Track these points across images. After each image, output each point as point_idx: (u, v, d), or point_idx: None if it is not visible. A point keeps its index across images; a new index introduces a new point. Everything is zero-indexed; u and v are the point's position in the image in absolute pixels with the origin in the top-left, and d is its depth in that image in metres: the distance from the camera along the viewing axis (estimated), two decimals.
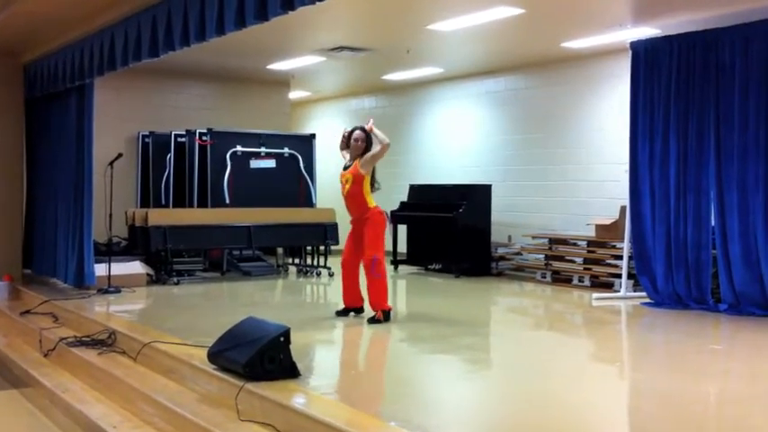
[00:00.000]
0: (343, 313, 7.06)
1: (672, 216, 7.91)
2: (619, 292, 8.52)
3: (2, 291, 9.19)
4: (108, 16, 7.33)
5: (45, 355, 6.67)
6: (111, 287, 8.52)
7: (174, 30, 6.33)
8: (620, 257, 8.58)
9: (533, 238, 10.20)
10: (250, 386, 4.54)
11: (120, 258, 9.23)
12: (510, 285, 9.78)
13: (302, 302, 8.80)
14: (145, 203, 11.21)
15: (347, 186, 6.83)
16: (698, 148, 7.73)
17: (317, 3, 4.97)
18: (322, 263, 10.41)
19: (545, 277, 9.84)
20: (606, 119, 9.85)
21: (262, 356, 4.65)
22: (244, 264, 10.44)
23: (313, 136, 11.41)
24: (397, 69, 11.49)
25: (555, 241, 9.79)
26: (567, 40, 9.21)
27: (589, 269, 9.26)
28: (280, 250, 11.07)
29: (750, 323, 6.98)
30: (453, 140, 12.20)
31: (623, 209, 8.69)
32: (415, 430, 3.77)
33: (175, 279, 9.34)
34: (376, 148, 6.82)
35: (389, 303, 6.90)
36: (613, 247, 8.94)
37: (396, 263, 10.99)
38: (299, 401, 4.34)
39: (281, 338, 4.73)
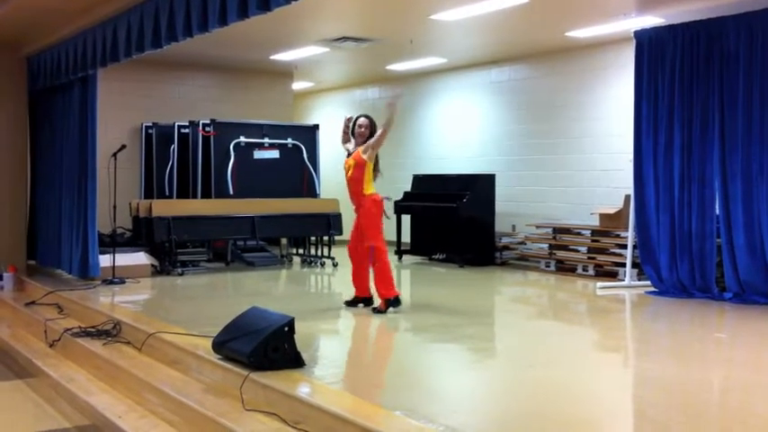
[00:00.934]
0: (351, 303, 7.06)
1: (676, 205, 7.90)
2: (623, 281, 8.52)
3: (7, 282, 9.22)
4: (111, 7, 7.33)
5: (50, 346, 6.69)
6: (115, 278, 8.54)
7: (176, 20, 6.33)
8: (625, 246, 8.58)
9: (537, 227, 10.19)
10: (255, 376, 4.55)
11: (125, 249, 9.26)
12: (514, 275, 9.78)
13: (306, 293, 8.81)
14: (149, 194, 11.23)
15: (350, 172, 6.83)
16: (702, 138, 7.71)
17: None
18: (326, 253, 10.43)
19: (549, 267, 9.84)
20: (610, 108, 9.83)
21: (266, 346, 4.66)
22: (248, 254, 10.46)
23: (316, 126, 11.41)
24: (400, 60, 11.46)
25: (559, 231, 9.78)
26: (571, 30, 9.18)
27: (593, 258, 9.26)
28: (284, 241, 11.08)
29: (754, 312, 6.97)
30: (457, 130, 12.18)
31: (627, 198, 8.68)
32: (420, 419, 3.78)
33: (180, 270, 9.35)
34: (376, 134, 6.83)
35: (397, 290, 6.89)
36: (617, 236, 8.94)
37: (399, 253, 10.99)
38: (303, 391, 4.35)
39: (286, 328, 4.74)
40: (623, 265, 8.60)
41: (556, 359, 5.30)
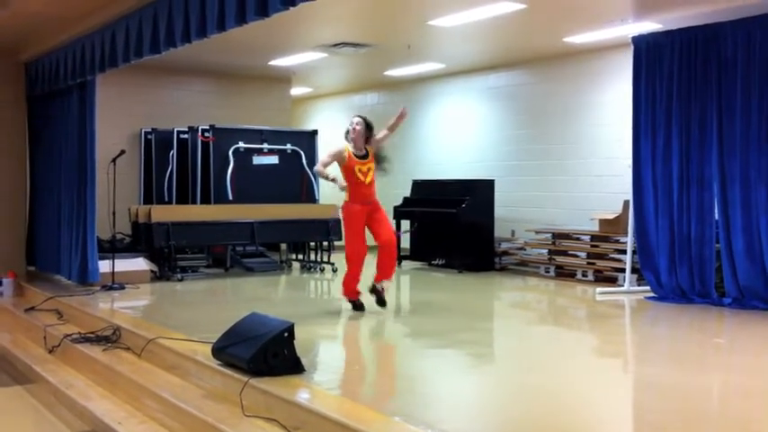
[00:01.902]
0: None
1: (675, 210, 7.91)
2: (622, 286, 8.52)
3: (6, 288, 9.21)
4: (109, 13, 7.33)
5: (50, 352, 6.69)
6: (114, 284, 8.53)
7: (175, 26, 6.33)
8: (624, 252, 8.59)
9: (536, 232, 10.20)
10: (254, 382, 4.55)
11: (124, 255, 9.24)
12: (513, 280, 9.78)
13: (306, 298, 8.81)
14: (148, 200, 11.23)
15: (370, 174, 6.96)
16: (700, 143, 7.72)
17: None
18: (325, 259, 10.42)
19: (548, 272, 9.84)
20: (608, 114, 9.84)
21: (266, 352, 4.66)
22: (247, 260, 10.45)
23: (315, 132, 11.42)
24: (398, 65, 11.48)
25: (558, 236, 9.79)
26: (568, 36, 9.20)
27: (592, 264, 9.26)
28: (283, 246, 11.07)
29: (754, 317, 6.98)
30: (456, 136, 12.19)
31: (626, 203, 8.69)
32: (419, 425, 3.78)
33: (179, 275, 9.36)
34: (381, 132, 7.10)
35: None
36: (617, 241, 8.94)
37: (399, 258, 10.98)
38: (303, 397, 4.35)
39: (285, 334, 4.74)
40: (623, 270, 8.61)
41: (555, 365, 5.30)
